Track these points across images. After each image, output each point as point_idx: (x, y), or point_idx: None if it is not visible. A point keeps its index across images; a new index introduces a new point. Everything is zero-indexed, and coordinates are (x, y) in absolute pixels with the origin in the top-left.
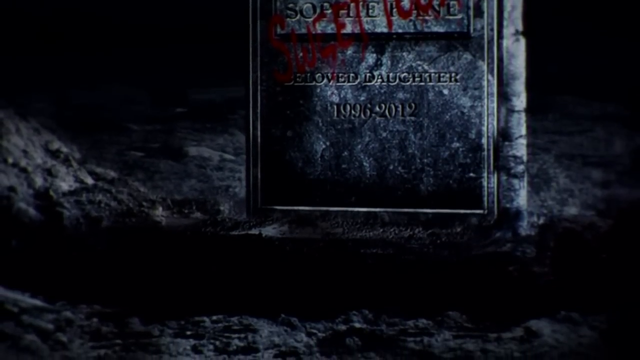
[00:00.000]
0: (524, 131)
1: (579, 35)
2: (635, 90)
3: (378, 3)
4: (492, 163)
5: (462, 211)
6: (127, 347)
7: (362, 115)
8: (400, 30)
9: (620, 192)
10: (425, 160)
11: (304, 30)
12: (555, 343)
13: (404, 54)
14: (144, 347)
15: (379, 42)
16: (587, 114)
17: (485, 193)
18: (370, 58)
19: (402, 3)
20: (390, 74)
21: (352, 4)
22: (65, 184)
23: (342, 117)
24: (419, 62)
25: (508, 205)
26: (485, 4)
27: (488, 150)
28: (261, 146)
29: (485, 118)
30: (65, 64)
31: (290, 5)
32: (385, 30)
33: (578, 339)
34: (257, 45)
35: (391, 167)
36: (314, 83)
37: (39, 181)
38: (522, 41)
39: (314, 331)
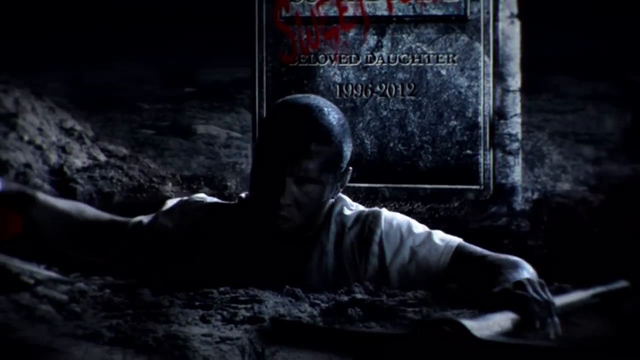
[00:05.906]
0: (518, 110)
1: (571, 18)
2: (625, 71)
3: None
4: (488, 141)
5: (459, 187)
6: (138, 317)
7: (364, 95)
8: (400, 13)
9: (610, 169)
10: (424, 138)
11: (307, 13)
12: None
13: (404, 36)
14: (154, 317)
15: (380, 24)
16: (579, 94)
17: (482, 169)
18: (372, 40)
19: None
20: (391, 55)
21: None
22: (79, 160)
23: (345, 97)
24: (418, 44)
25: (503, 181)
26: None
27: (484, 128)
28: None
29: (482, 97)
30: (79, 44)
31: None
32: (385, 13)
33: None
34: (263, 27)
35: (391, 145)
36: (317, 64)
37: (53, 158)
38: (517, 23)
39: (318, 302)
